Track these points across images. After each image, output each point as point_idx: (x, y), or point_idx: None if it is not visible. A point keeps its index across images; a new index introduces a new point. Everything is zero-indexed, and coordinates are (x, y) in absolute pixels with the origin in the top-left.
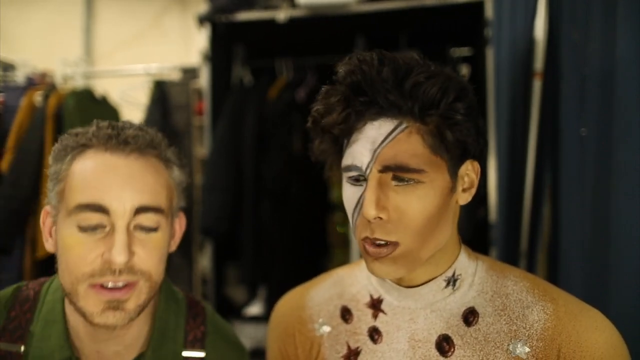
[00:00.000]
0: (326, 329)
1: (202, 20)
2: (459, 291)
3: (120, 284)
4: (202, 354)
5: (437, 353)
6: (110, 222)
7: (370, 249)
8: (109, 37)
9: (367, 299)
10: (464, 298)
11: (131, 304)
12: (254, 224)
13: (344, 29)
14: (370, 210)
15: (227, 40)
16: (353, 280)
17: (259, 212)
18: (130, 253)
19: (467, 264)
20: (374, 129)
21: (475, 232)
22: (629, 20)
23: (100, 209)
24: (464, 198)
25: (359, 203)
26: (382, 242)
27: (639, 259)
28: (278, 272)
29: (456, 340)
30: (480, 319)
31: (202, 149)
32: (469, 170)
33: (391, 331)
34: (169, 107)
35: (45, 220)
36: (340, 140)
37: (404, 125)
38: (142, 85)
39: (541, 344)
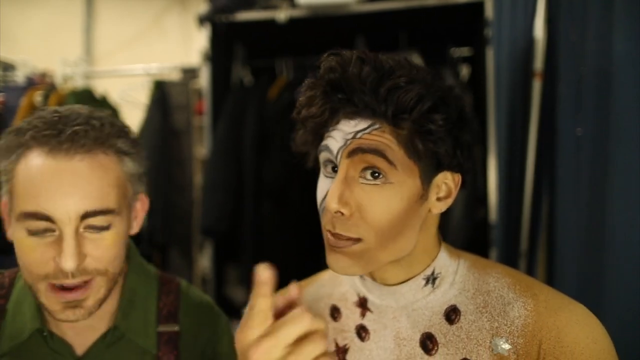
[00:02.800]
0: None
1: (202, 20)
2: (439, 289)
3: (76, 283)
4: (176, 328)
5: (422, 351)
6: (59, 227)
7: (331, 238)
8: (109, 37)
9: (355, 298)
10: (445, 296)
11: (90, 301)
12: (254, 224)
13: (344, 29)
14: (331, 203)
15: (227, 40)
16: (342, 280)
17: (259, 212)
18: (81, 257)
19: (447, 263)
20: (349, 126)
21: (475, 232)
22: (626, 21)
23: (45, 217)
24: (438, 207)
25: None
26: (344, 237)
27: (633, 257)
28: (278, 272)
29: (439, 339)
30: (462, 317)
31: (202, 149)
32: (447, 180)
33: (378, 329)
34: (169, 107)
35: (5, 210)
36: (320, 133)
37: (377, 126)
38: (142, 85)
39: (522, 340)
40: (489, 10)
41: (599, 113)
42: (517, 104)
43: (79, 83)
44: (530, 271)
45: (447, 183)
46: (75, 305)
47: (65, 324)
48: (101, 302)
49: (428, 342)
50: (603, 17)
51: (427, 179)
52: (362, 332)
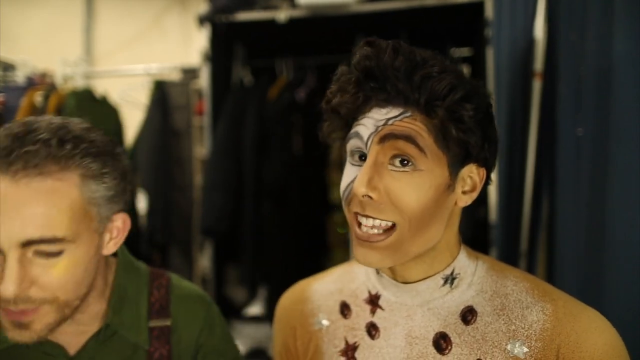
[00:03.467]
0: (325, 323)
1: (202, 20)
2: (457, 290)
3: (18, 309)
4: (168, 322)
5: (435, 350)
6: (4, 253)
7: (359, 232)
8: (109, 37)
9: (366, 295)
10: (462, 297)
11: (37, 325)
12: (254, 224)
13: (344, 29)
14: (360, 187)
15: (227, 40)
16: (353, 277)
17: (259, 212)
18: (25, 284)
19: (466, 264)
20: (380, 114)
21: (475, 232)
22: (626, 21)
23: None
24: (464, 200)
25: (353, 181)
26: (376, 228)
27: (633, 257)
28: (278, 272)
29: (454, 338)
30: (478, 318)
31: (202, 149)
32: (472, 173)
33: (389, 327)
34: (169, 107)
35: None
36: (349, 123)
37: (409, 114)
38: (142, 85)
39: (540, 344)
40: (489, 10)
41: (599, 113)
42: (517, 104)
43: (79, 83)
44: (530, 271)
45: (472, 177)
46: (21, 326)
47: (59, 330)
48: (52, 327)
49: (442, 342)
50: (603, 17)
51: (454, 170)
52: (372, 329)
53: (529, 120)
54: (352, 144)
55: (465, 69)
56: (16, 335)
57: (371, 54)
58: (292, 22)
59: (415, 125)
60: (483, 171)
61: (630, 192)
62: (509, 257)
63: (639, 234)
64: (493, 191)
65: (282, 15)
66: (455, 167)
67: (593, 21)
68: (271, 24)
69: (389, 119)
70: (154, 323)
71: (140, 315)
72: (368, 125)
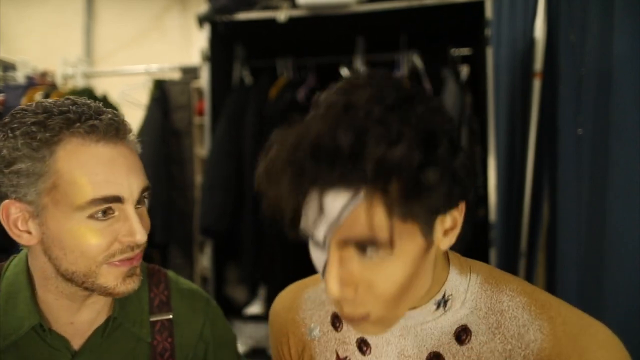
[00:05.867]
0: (317, 334)
1: (202, 20)
2: (450, 311)
3: (137, 253)
4: (170, 316)
5: None
6: (120, 208)
7: (343, 314)
8: (109, 37)
9: None
10: (455, 316)
11: (139, 268)
12: (254, 224)
13: (344, 29)
14: (333, 291)
15: (227, 40)
16: None
17: (259, 212)
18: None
19: (458, 283)
20: (328, 202)
21: (475, 232)
22: (625, 21)
23: (116, 199)
24: (446, 243)
25: (324, 269)
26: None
27: (633, 258)
28: (278, 272)
29: (448, 359)
30: (473, 337)
31: (202, 148)
32: (449, 213)
33: (380, 344)
34: (170, 106)
35: (9, 215)
36: (296, 206)
37: (360, 196)
38: (142, 85)
39: None
40: (489, 10)
41: (599, 113)
42: (517, 104)
43: (79, 83)
44: (530, 271)
45: (452, 214)
46: (132, 273)
47: (68, 325)
48: None
49: None
50: (603, 17)
51: (429, 230)
52: (363, 345)
53: (529, 120)
54: (307, 234)
55: (465, 69)
56: (130, 285)
57: (297, 141)
58: (292, 22)
59: (370, 215)
60: (462, 204)
61: (630, 191)
62: (509, 257)
63: (639, 234)
64: (493, 191)
65: (282, 15)
66: (429, 227)
67: (593, 21)
68: (271, 23)
69: (340, 213)
70: (156, 317)
71: (143, 310)
72: (318, 224)
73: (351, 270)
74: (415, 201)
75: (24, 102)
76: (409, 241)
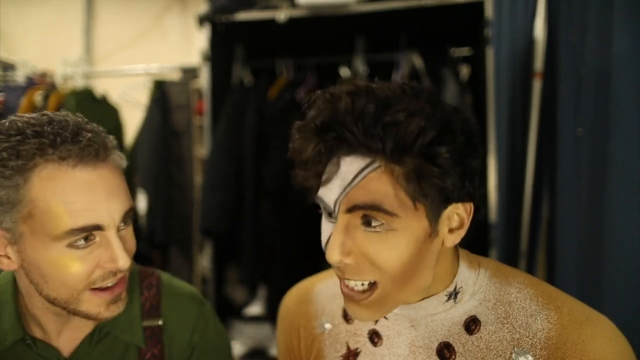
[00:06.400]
0: (328, 326)
1: (202, 20)
2: (459, 303)
3: (119, 278)
4: (159, 322)
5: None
6: (101, 234)
7: (345, 289)
8: (109, 37)
9: None
10: (465, 307)
11: (124, 293)
12: (254, 224)
13: (344, 29)
14: (332, 256)
15: (227, 40)
16: None
17: (259, 212)
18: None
19: (467, 275)
20: (345, 165)
21: (475, 232)
22: (625, 21)
23: (96, 227)
24: (451, 240)
25: (329, 239)
26: (359, 285)
27: (633, 257)
28: (278, 272)
29: (457, 348)
30: (482, 327)
31: (202, 149)
32: (458, 210)
33: (392, 336)
34: (169, 107)
35: (6, 239)
36: (319, 172)
37: (376, 164)
38: (142, 85)
39: (545, 353)
40: (489, 10)
41: (598, 113)
42: (517, 104)
43: (79, 83)
44: (530, 271)
45: (458, 213)
46: (117, 299)
47: (55, 335)
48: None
49: (445, 351)
50: (603, 17)
51: (435, 216)
52: (374, 337)
53: (529, 120)
54: (320, 204)
55: (465, 69)
56: (114, 310)
57: (324, 106)
58: (292, 22)
59: (381, 182)
60: (470, 205)
61: (630, 192)
62: (509, 257)
63: (638, 234)
64: (493, 191)
65: (282, 15)
66: (435, 213)
67: (593, 21)
68: (271, 23)
69: (353, 179)
70: (146, 323)
71: (134, 315)
72: (333, 188)
73: (355, 238)
74: (425, 179)
75: (23, 102)
76: (414, 220)
